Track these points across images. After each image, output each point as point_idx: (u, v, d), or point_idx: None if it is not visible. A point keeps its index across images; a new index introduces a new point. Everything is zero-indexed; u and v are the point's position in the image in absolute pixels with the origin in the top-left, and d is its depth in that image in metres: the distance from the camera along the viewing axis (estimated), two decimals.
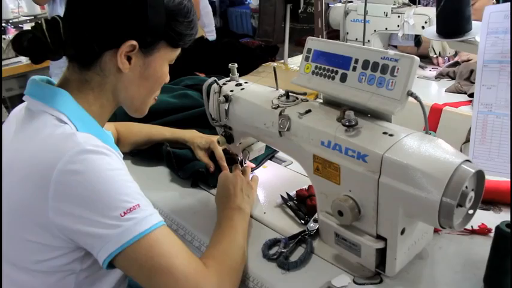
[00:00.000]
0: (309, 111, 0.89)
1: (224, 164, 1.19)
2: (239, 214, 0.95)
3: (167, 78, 0.91)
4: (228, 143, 1.12)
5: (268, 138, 0.98)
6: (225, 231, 0.90)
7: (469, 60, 1.89)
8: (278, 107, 0.93)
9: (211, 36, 3.25)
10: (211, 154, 1.22)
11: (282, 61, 2.43)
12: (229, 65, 1.09)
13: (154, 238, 0.73)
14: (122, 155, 0.96)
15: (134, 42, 0.81)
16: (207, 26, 3.27)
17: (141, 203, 0.74)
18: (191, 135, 1.27)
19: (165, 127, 1.32)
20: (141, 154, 1.32)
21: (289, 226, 1.01)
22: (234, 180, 1.05)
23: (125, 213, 0.71)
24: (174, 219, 1.08)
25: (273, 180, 1.21)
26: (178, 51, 0.90)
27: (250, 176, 1.15)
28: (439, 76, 1.95)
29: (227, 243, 0.86)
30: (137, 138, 1.27)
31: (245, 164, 1.22)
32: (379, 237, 0.80)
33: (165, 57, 0.87)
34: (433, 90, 1.84)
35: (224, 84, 1.08)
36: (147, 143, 1.29)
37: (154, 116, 1.40)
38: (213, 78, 1.04)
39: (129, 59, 0.83)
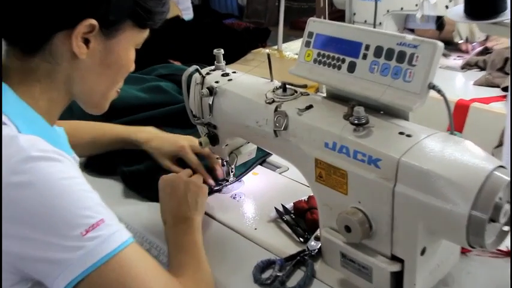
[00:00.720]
0: (310, 106, 0.90)
1: (203, 172, 1.20)
2: (188, 227, 0.97)
3: (133, 67, 0.89)
4: (212, 144, 1.13)
5: (261, 139, 0.98)
6: (183, 255, 0.91)
7: (503, 48, 1.88)
8: (273, 101, 0.94)
9: (188, 15, 3.26)
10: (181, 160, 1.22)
11: (275, 47, 2.43)
12: (215, 50, 1.09)
13: (124, 258, 0.72)
14: (78, 159, 0.97)
15: (93, 22, 0.77)
16: (182, 3, 3.27)
17: (105, 217, 0.72)
18: (147, 136, 1.24)
19: (117, 125, 1.30)
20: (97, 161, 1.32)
21: (286, 245, 1.02)
22: (174, 183, 1.05)
23: (87, 232, 0.69)
24: (146, 237, 1.08)
25: (265, 189, 1.22)
26: (146, 32, 0.88)
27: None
28: (466, 66, 1.94)
29: (191, 265, 0.88)
30: (81, 142, 1.23)
31: (232, 172, 1.23)
32: (394, 259, 0.80)
33: (130, 40, 0.85)
34: (458, 82, 1.84)
35: (208, 74, 1.09)
36: (92, 148, 1.27)
37: (118, 113, 1.40)
38: (194, 67, 1.04)
39: (86, 42, 0.80)
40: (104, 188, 1.21)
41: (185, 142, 1.22)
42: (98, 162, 1.31)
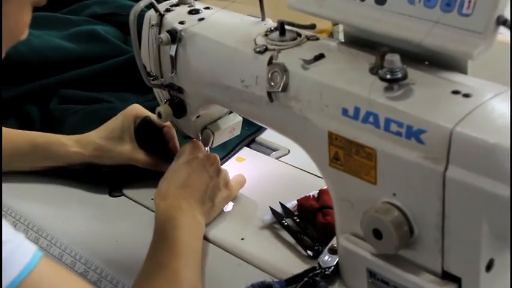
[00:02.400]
0: (321, 56, 0.89)
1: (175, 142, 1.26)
2: (187, 221, 1.02)
3: (25, 33, 0.88)
4: (176, 116, 1.13)
5: (248, 107, 0.99)
6: (166, 247, 0.97)
7: None
8: (266, 50, 0.94)
9: None
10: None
11: None
12: None
13: (35, 279, 0.73)
14: None
15: None
16: None
17: None
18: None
19: (25, 133, 1.31)
20: None
21: (287, 261, 1.03)
22: (200, 166, 1.12)
23: None
24: (82, 256, 1.09)
25: (255, 182, 1.24)
26: None
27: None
28: None
29: (173, 269, 0.94)
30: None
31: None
32: (447, 277, 0.80)
33: None
34: None
35: (168, 10, 1.09)
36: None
37: (32, 72, 1.40)
38: (147, 0, 1.04)
39: None
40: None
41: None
42: None
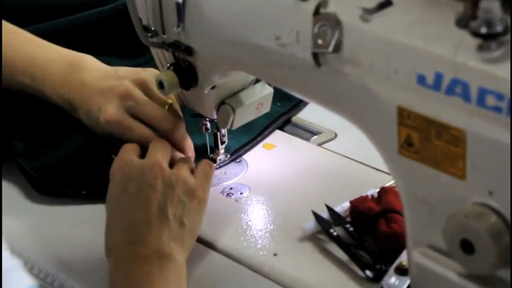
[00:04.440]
0: (387, 3, 0.89)
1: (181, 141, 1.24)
2: (158, 270, 1.02)
3: None
4: (183, 87, 1.14)
5: (284, 73, 0.99)
6: None
7: None
8: None
9: None
10: None
11: None
12: None
13: None
14: None
15: None
16: None
17: None
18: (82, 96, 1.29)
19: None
20: None
21: (337, 285, 1.05)
22: (143, 176, 1.12)
23: None
24: (56, 277, 1.11)
25: (291, 177, 1.28)
26: None
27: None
28: None
29: None
30: None
31: (223, 143, 1.27)
32: None
33: None
34: None
35: None
36: None
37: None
38: None
39: None
40: None
41: (142, 76, 1.26)
42: None
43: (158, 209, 1.08)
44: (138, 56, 1.39)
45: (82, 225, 1.22)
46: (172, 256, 1.04)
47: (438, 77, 0.82)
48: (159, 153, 1.16)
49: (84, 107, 1.27)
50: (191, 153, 1.28)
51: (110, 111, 1.23)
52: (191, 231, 1.10)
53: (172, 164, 1.17)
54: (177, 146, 1.25)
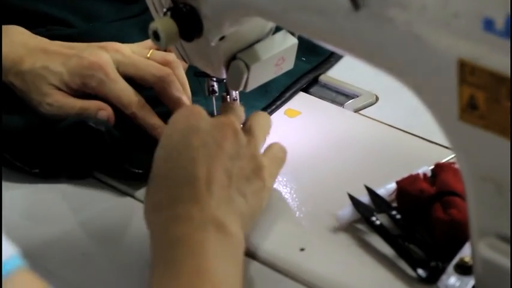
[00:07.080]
0: None
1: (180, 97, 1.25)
2: (214, 239, 0.99)
3: None
4: (184, 38, 1.08)
5: (312, 19, 0.93)
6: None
7: None
8: None
9: None
10: None
11: None
12: None
13: None
14: None
15: None
16: None
17: None
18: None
19: None
20: None
21: (380, 286, 1.02)
22: (208, 143, 1.06)
23: None
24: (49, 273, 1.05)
25: (320, 151, 1.24)
26: None
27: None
28: None
29: None
30: None
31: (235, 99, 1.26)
32: None
33: None
34: None
35: None
36: None
37: None
38: None
39: None
40: None
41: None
42: None
43: (223, 172, 1.04)
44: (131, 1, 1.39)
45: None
46: (231, 229, 1.00)
47: (510, 21, 0.75)
48: (233, 116, 1.15)
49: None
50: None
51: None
52: (251, 214, 1.06)
53: None
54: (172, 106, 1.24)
